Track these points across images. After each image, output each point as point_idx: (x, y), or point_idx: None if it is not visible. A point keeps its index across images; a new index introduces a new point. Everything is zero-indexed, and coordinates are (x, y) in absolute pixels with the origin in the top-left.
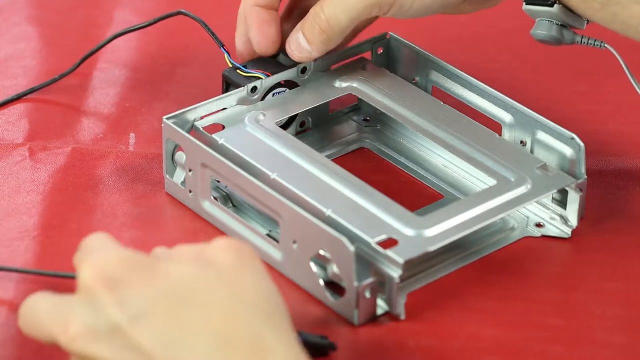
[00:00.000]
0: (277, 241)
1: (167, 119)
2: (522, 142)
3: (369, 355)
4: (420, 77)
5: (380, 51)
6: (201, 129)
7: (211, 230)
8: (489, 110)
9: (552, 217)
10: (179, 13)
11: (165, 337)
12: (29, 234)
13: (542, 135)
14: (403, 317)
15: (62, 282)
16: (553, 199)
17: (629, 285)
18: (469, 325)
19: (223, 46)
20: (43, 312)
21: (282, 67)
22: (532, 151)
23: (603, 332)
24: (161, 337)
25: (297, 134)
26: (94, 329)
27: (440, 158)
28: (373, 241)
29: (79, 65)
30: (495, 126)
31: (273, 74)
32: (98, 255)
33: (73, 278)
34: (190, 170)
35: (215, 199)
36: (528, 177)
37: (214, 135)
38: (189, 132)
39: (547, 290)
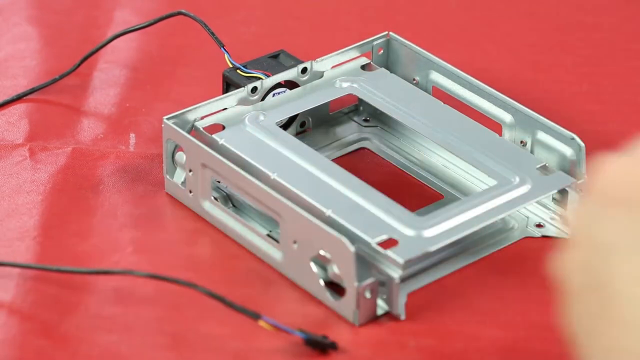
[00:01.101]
0: (277, 241)
1: (167, 119)
2: (522, 142)
3: (369, 355)
4: (420, 77)
5: (380, 51)
6: (201, 129)
7: (211, 230)
8: (489, 110)
9: (552, 217)
10: (179, 13)
11: None
12: (29, 234)
13: (542, 135)
14: (403, 317)
15: (64, 279)
16: (553, 199)
17: None
18: (469, 325)
19: (223, 46)
20: None
21: (282, 67)
22: (532, 151)
23: None
24: None
25: (297, 134)
26: None
27: (440, 158)
28: (373, 241)
29: (79, 65)
30: (495, 126)
31: (273, 74)
32: None
33: (74, 272)
34: (190, 170)
35: (215, 199)
36: (528, 177)
37: (214, 135)
38: (189, 132)
39: (547, 290)
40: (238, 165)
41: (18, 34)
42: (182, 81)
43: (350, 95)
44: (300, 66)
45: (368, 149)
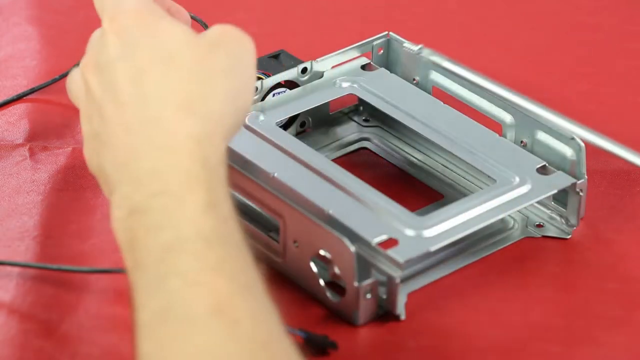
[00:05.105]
0: (277, 241)
1: None
2: (522, 142)
3: (369, 355)
4: (420, 77)
5: (380, 51)
6: None
7: None
8: (489, 110)
9: (552, 217)
10: None
11: (136, 81)
12: (29, 234)
13: (542, 135)
14: (403, 317)
15: (64, 279)
16: (553, 198)
17: (629, 285)
18: (469, 325)
19: None
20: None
21: (282, 67)
22: (532, 151)
23: (603, 332)
24: (133, 79)
25: (297, 134)
26: (97, 61)
27: (440, 158)
28: (373, 241)
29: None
30: (495, 126)
31: (273, 74)
32: (118, 4)
33: (75, 271)
34: None
35: None
36: (528, 177)
37: None
38: None
39: (547, 290)
40: (238, 165)
41: (18, 34)
42: None
43: (350, 95)
44: (300, 66)
45: (368, 149)
